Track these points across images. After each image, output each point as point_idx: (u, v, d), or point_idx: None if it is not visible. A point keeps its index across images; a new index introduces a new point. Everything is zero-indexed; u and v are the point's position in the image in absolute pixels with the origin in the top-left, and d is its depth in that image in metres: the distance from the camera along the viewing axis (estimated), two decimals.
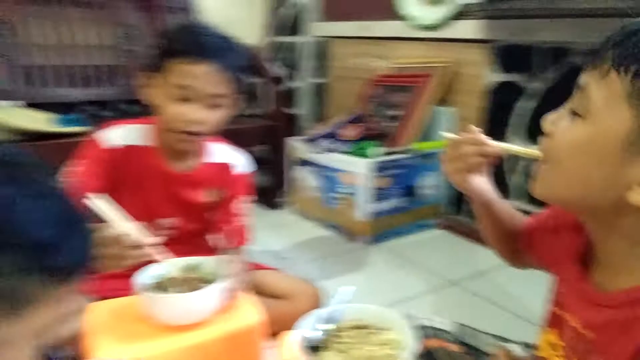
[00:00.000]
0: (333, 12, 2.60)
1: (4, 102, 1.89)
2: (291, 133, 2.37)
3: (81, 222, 0.40)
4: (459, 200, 2.09)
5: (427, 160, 2.04)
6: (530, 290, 1.47)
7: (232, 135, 2.23)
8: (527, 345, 0.86)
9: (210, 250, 1.12)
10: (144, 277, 0.88)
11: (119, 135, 1.08)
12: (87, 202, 0.86)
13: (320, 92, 2.79)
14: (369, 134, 2.08)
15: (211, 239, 1.20)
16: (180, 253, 0.98)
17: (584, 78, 0.55)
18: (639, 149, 0.50)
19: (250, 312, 0.92)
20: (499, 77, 1.89)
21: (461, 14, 1.95)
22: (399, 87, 2.15)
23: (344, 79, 2.60)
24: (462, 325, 0.91)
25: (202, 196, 1.17)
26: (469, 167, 0.75)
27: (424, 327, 0.88)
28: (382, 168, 1.92)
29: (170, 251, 0.93)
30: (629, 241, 0.56)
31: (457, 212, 2.11)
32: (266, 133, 2.28)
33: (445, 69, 2.02)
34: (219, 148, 1.18)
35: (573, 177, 0.56)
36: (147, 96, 1.07)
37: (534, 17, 1.71)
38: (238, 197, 1.20)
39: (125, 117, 1.15)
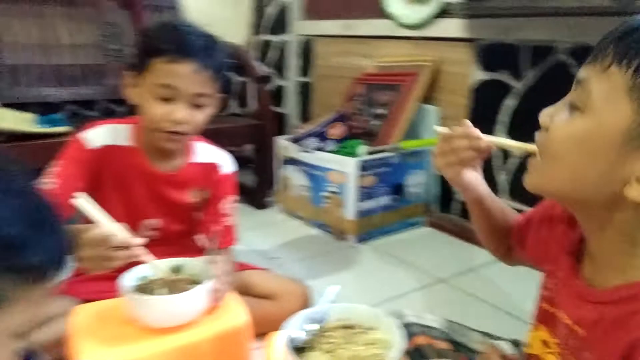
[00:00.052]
0: (317, 11, 2.60)
1: None
2: (278, 132, 2.36)
3: (54, 222, 0.40)
4: (447, 198, 2.10)
5: (414, 159, 2.05)
6: (520, 288, 1.48)
7: (218, 134, 2.21)
8: (515, 343, 0.87)
9: (197, 251, 1.11)
10: (129, 278, 0.87)
11: (100, 135, 1.07)
12: (72, 202, 0.85)
13: (306, 91, 2.78)
14: (355, 133, 2.09)
15: (197, 239, 1.19)
16: (166, 254, 0.98)
17: (584, 72, 0.55)
18: (637, 144, 0.50)
19: (237, 313, 0.91)
20: (483, 75, 1.90)
21: (445, 13, 1.96)
22: (384, 85, 2.15)
23: (329, 77, 2.60)
24: (451, 322, 0.91)
25: (187, 196, 1.16)
26: (461, 161, 0.75)
27: (412, 325, 0.88)
28: (368, 167, 1.92)
29: (154, 252, 0.92)
30: (622, 237, 0.56)
31: (445, 210, 2.12)
32: (253, 132, 2.27)
33: (430, 67, 2.03)
34: (203, 148, 1.17)
35: (569, 171, 0.56)
36: (131, 95, 1.06)
37: (516, 16, 1.72)
38: (224, 198, 1.19)
39: (111, 116, 1.14)
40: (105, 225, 0.84)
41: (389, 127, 2.05)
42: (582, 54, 1.59)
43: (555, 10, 1.58)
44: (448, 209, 2.10)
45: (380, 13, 2.20)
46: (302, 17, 2.69)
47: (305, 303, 1.21)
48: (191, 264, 0.94)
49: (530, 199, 1.84)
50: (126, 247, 0.85)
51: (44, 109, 1.99)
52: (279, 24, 2.83)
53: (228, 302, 0.93)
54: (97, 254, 0.84)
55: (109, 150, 1.08)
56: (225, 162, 1.19)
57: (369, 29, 2.30)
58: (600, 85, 0.52)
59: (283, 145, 2.21)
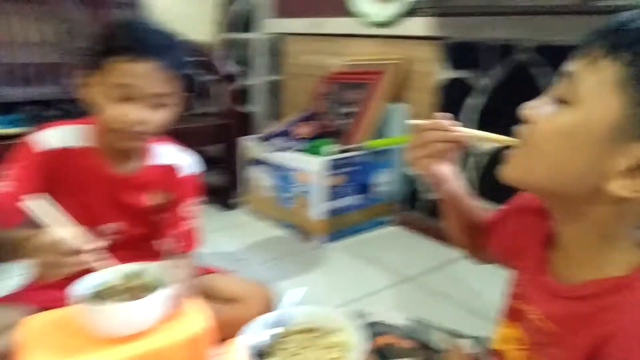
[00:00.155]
0: (285, 9, 2.58)
1: None
2: (246, 132, 2.33)
3: None
4: (414, 197, 2.11)
5: (381, 158, 2.05)
6: (486, 285, 1.50)
7: (184, 134, 2.17)
8: (478, 340, 0.87)
9: (159, 256, 1.08)
10: (82, 286, 0.84)
11: (54, 136, 1.03)
12: (24, 206, 0.82)
13: (274, 90, 2.76)
14: (323, 132, 2.08)
15: (159, 243, 1.16)
16: (125, 259, 0.94)
17: (572, 66, 0.55)
18: (625, 137, 0.50)
19: (197, 319, 0.89)
20: (450, 73, 1.91)
21: (412, 11, 1.97)
22: (352, 84, 2.14)
23: (298, 76, 2.58)
24: (415, 320, 0.90)
25: (147, 199, 1.12)
26: (434, 154, 0.74)
27: (376, 324, 0.87)
28: (336, 166, 1.92)
29: (113, 257, 0.89)
30: (596, 231, 0.56)
31: (412, 209, 2.13)
32: (219, 132, 2.24)
33: (398, 66, 2.03)
34: (164, 149, 1.14)
35: (552, 163, 0.55)
36: (86, 95, 1.02)
37: (481, 15, 1.74)
38: (186, 200, 1.16)
39: (71, 117, 1.09)
40: (58, 229, 0.81)
41: (357, 126, 2.05)
42: (545, 52, 1.62)
43: (519, 9, 1.59)
44: (416, 208, 2.11)
45: (349, 11, 2.19)
46: (271, 15, 2.66)
47: (270, 306, 1.19)
48: (149, 269, 0.91)
49: (498, 197, 1.85)
50: (79, 252, 0.82)
51: (1, 109, 1.92)
52: (247, 22, 2.79)
53: (189, 307, 0.91)
54: (50, 260, 0.80)
55: (63, 152, 1.03)
56: (187, 163, 1.16)
57: (338, 27, 2.29)
58: (589, 79, 0.52)
59: (250, 145, 2.19)
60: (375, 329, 0.86)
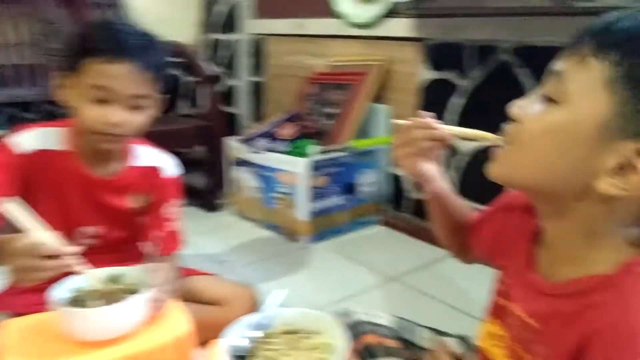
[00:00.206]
0: (267, 10, 2.57)
1: None
2: (229, 133, 2.32)
3: None
4: (399, 197, 2.12)
5: (366, 158, 2.05)
6: (472, 284, 1.51)
7: (167, 136, 2.16)
8: (463, 339, 0.87)
9: (141, 258, 1.07)
10: (61, 290, 0.82)
11: (31, 139, 1.01)
12: (0, 209, 0.80)
13: (257, 91, 2.75)
14: (307, 133, 2.07)
15: (141, 246, 1.15)
16: (106, 262, 0.93)
17: (561, 64, 0.54)
18: (613, 136, 0.50)
19: (179, 322, 0.88)
20: (432, 74, 1.92)
21: (393, 13, 1.97)
22: (335, 85, 2.15)
23: (281, 77, 2.57)
24: (400, 319, 0.91)
25: (128, 202, 1.11)
26: (419, 152, 0.74)
27: (361, 323, 0.87)
28: (320, 166, 1.91)
29: (93, 261, 0.87)
30: (582, 229, 0.56)
31: (397, 209, 2.13)
32: (203, 133, 2.22)
33: (380, 66, 2.04)
34: (144, 151, 1.13)
35: (540, 162, 0.55)
36: (63, 97, 1.00)
37: (462, 16, 1.75)
38: (167, 202, 1.15)
39: (50, 119, 1.08)
40: (35, 233, 0.79)
41: (340, 126, 2.05)
42: (524, 53, 1.64)
43: (498, 10, 1.61)
44: (400, 208, 2.12)
45: (331, 12, 2.19)
46: (252, 15, 2.65)
47: (254, 308, 1.18)
48: (129, 272, 0.90)
49: (480, 196, 1.86)
50: (57, 256, 0.80)
51: None
52: (229, 23, 2.78)
53: (170, 311, 0.90)
54: (26, 264, 0.79)
55: (41, 155, 1.02)
56: (167, 165, 1.15)
57: (320, 28, 2.29)
58: (578, 77, 0.52)
59: (234, 146, 2.17)
60: (360, 328, 0.86)
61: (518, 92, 1.63)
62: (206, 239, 1.95)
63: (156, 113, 1.05)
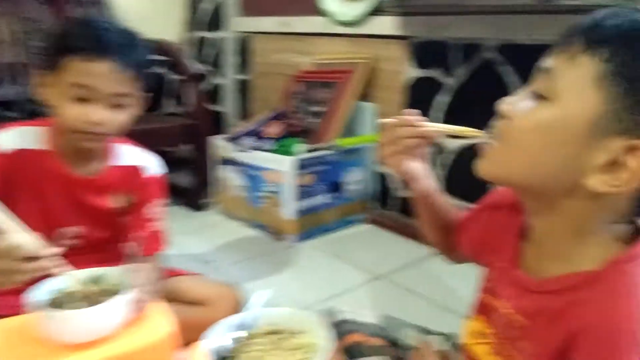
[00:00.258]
0: (253, 8, 2.56)
1: None
2: (215, 131, 2.30)
3: None
4: (386, 195, 2.12)
5: (352, 156, 2.05)
6: (458, 282, 1.51)
7: (153, 134, 2.14)
8: (448, 337, 0.87)
9: (123, 259, 1.06)
10: (39, 292, 0.81)
11: (11, 138, 1.00)
12: None
13: (244, 89, 2.74)
14: (293, 131, 2.06)
15: (123, 246, 1.13)
16: (87, 263, 0.92)
17: (551, 61, 0.54)
18: (603, 132, 0.50)
19: (161, 324, 0.87)
20: (417, 72, 1.93)
21: (378, 11, 1.97)
22: (321, 83, 2.14)
23: (267, 75, 2.56)
24: (386, 317, 0.90)
25: (109, 202, 1.10)
26: (404, 150, 0.74)
27: (347, 322, 0.87)
28: (306, 165, 1.91)
29: (74, 262, 0.86)
30: (570, 225, 0.56)
31: (384, 207, 2.13)
32: (189, 132, 2.20)
33: (366, 64, 2.04)
34: (127, 150, 1.11)
35: (530, 159, 0.55)
36: (43, 96, 0.99)
37: (446, 14, 1.75)
38: (150, 201, 1.14)
39: (32, 118, 1.06)
40: (14, 235, 0.78)
41: (326, 124, 2.05)
42: (508, 51, 1.64)
43: (482, 8, 1.61)
44: (387, 206, 2.12)
45: (316, 10, 2.19)
46: (238, 13, 2.64)
47: (239, 308, 1.17)
48: (111, 273, 0.88)
49: (466, 193, 1.86)
50: (37, 258, 0.79)
51: None
52: (215, 21, 2.76)
53: (152, 312, 0.89)
54: (5, 267, 0.77)
55: (21, 155, 1.00)
56: (150, 164, 1.13)
57: (306, 26, 2.28)
58: (569, 74, 0.52)
59: (220, 144, 2.16)
60: (346, 327, 0.86)
61: (502, 89, 1.66)
62: (192, 239, 1.93)
63: (138, 112, 1.03)
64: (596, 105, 0.50)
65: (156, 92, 2.90)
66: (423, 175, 0.79)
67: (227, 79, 2.78)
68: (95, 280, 0.87)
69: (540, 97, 0.54)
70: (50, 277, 0.83)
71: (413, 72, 1.94)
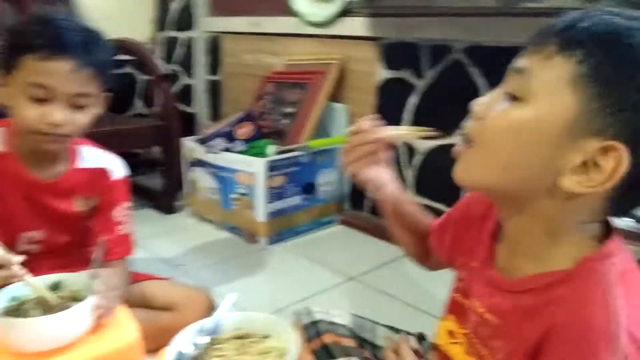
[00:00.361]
0: (223, 7, 2.53)
1: None
2: (187, 133, 2.26)
3: None
4: (358, 196, 2.12)
5: (324, 157, 2.05)
6: (431, 282, 1.52)
7: (121, 136, 2.09)
8: (421, 337, 0.87)
9: (87, 264, 1.03)
10: None
11: None
12: None
13: (215, 90, 2.71)
14: (265, 132, 2.05)
15: (89, 251, 1.10)
16: (51, 268, 0.90)
17: (524, 61, 0.54)
18: (579, 133, 0.50)
19: (126, 330, 0.85)
20: (388, 73, 1.93)
21: (348, 12, 1.97)
22: (292, 84, 2.13)
23: (239, 75, 2.54)
24: (358, 317, 0.90)
25: (73, 205, 1.07)
26: (361, 157, 0.74)
27: (320, 322, 0.86)
28: (277, 166, 1.90)
29: (37, 267, 0.84)
30: (544, 225, 0.56)
31: (357, 208, 2.13)
32: (159, 133, 2.16)
33: (337, 65, 2.04)
34: (90, 152, 1.09)
35: (505, 162, 0.55)
36: (1, 96, 0.95)
37: (415, 15, 1.76)
38: (117, 205, 1.11)
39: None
40: None
41: (298, 126, 2.04)
42: (476, 53, 1.66)
43: (449, 10, 1.63)
44: (360, 207, 2.12)
45: (287, 11, 2.18)
46: (208, 13, 2.61)
47: (208, 312, 1.16)
48: (73, 279, 0.86)
49: (436, 194, 1.88)
50: (6, 265, 0.77)
51: None
52: (185, 20, 2.73)
53: (116, 318, 0.87)
54: None
55: None
56: (115, 166, 1.11)
57: (277, 26, 2.27)
58: (543, 75, 0.51)
59: (190, 146, 2.13)
60: (318, 327, 0.85)
61: (472, 90, 1.67)
62: (163, 242, 1.90)
63: (100, 112, 1.01)
64: (571, 106, 0.50)
65: (126, 93, 2.85)
66: (387, 181, 0.79)
67: (198, 79, 2.75)
68: (56, 287, 0.85)
69: (514, 98, 0.54)
70: (10, 284, 0.81)
71: (384, 74, 1.94)
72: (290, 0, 2.15)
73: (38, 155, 0.99)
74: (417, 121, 1.87)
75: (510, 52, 0.56)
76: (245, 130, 2.00)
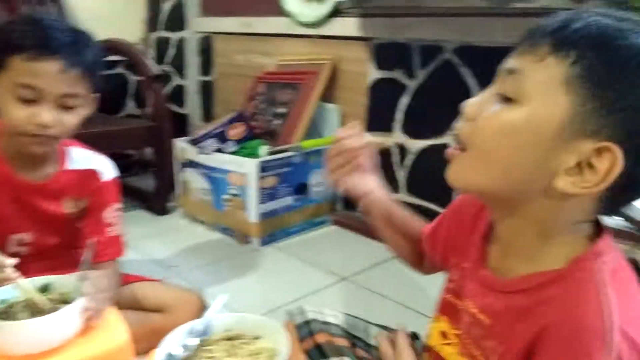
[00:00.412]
0: (214, 8, 2.53)
1: None
2: (180, 134, 2.25)
3: None
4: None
5: (316, 158, 2.04)
6: (424, 282, 1.51)
7: (113, 137, 2.08)
8: (414, 336, 0.87)
9: (77, 266, 1.02)
10: None
11: None
12: None
13: (207, 90, 2.70)
14: (256, 133, 2.05)
15: (78, 253, 1.10)
16: (39, 271, 0.89)
17: (517, 62, 0.53)
18: (573, 134, 0.50)
19: (115, 332, 0.84)
20: (379, 74, 1.94)
21: (339, 12, 1.97)
22: (284, 84, 2.13)
23: (231, 76, 2.54)
24: (351, 316, 0.90)
25: (63, 207, 1.06)
26: (342, 165, 0.75)
27: (312, 322, 0.86)
28: (269, 167, 1.89)
29: (26, 270, 0.83)
30: (536, 226, 0.56)
31: (350, 208, 2.13)
32: (151, 134, 2.15)
33: (329, 66, 2.04)
34: (79, 153, 1.08)
35: (500, 164, 0.54)
36: None
37: (405, 15, 1.77)
38: (107, 206, 1.11)
39: None
40: None
41: (290, 126, 2.03)
42: (467, 53, 1.67)
43: (440, 10, 1.63)
44: (352, 207, 2.12)
45: (279, 11, 2.17)
46: (199, 13, 2.60)
47: (200, 314, 1.15)
48: (62, 281, 0.86)
49: (428, 194, 1.88)
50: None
51: None
52: (177, 21, 2.72)
53: (106, 320, 0.86)
54: None
55: None
56: (105, 168, 1.10)
57: (268, 27, 2.27)
58: (536, 76, 0.51)
59: (182, 147, 2.12)
60: (311, 327, 0.85)
61: (463, 90, 1.68)
62: (155, 243, 1.89)
63: (89, 113, 1.00)
64: (565, 108, 0.50)
65: (118, 94, 2.84)
66: (374, 188, 0.79)
67: (190, 80, 2.74)
68: (45, 289, 0.85)
69: (506, 99, 0.53)
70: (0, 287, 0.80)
71: (375, 74, 1.94)
72: (281, 0, 2.14)
73: (26, 156, 0.99)
74: (408, 121, 1.87)
75: (501, 52, 0.56)
76: (237, 130, 2.00)
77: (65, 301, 0.81)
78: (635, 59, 0.48)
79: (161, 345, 0.69)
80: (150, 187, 2.28)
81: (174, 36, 2.76)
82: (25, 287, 0.82)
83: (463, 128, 0.58)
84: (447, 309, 0.70)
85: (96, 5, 2.53)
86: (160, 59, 2.82)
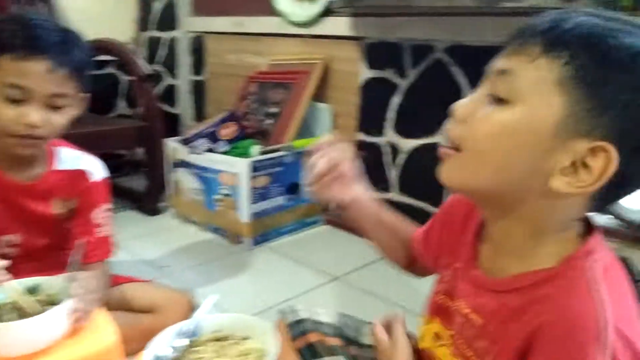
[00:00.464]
0: (205, 7, 2.52)
1: None
2: (171, 133, 2.25)
3: None
4: None
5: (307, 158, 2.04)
6: (416, 282, 1.51)
7: (104, 137, 2.07)
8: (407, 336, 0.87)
9: (66, 267, 1.02)
10: None
11: None
12: None
13: (199, 90, 2.69)
14: (248, 133, 2.04)
15: (67, 254, 1.09)
16: (29, 272, 0.88)
17: (508, 63, 0.53)
18: (566, 135, 0.50)
19: (104, 333, 0.84)
20: (371, 73, 1.94)
21: (330, 11, 1.97)
22: (276, 84, 2.13)
23: (223, 75, 2.53)
24: (344, 315, 0.90)
25: (51, 208, 1.05)
26: (321, 176, 0.75)
27: (305, 321, 0.86)
28: (261, 167, 1.89)
29: (15, 271, 0.82)
30: (530, 226, 0.56)
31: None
32: (142, 134, 2.14)
33: (321, 65, 2.04)
34: (68, 153, 1.07)
35: (495, 165, 0.54)
36: None
37: (396, 15, 1.77)
38: (97, 206, 1.10)
39: None
40: None
41: (281, 126, 2.03)
42: (458, 52, 1.67)
43: (430, 9, 1.63)
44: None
45: (270, 10, 2.17)
46: (191, 13, 2.59)
47: (190, 314, 1.15)
48: (50, 282, 0.85)
49: (420, 193, 1.88)
50: None
51: None
52: (168, 20, 2.71)
53: (95, 321, 0.86)
54: None
55: None
56: (94, 168, 1.09)
57: (260, 26, 2.27)
58: (529, 76, 0.51)
59: (173, 147, 2.11)
60: (304, 326, 0.85)
61: (454, 90, 1.68)
62: (146, 244, 1.88)
63: (78, 113, 0.99)
64: (559, 108, 0.49)
65: (109, 93, 2.83)
66: (359, 195, 0.79)
67: (181, 79, 2.73)
68: (33, 290, 0.84)
69: (498, 100, 0.53)
70: None
71: (367, 73, 1.95)
72: (273, 0, 2.14)
73: (14, 157, 0.98)
74: (400, 120, 1.87)
75: (491, 52, 0.56)
76: (228, 130, 1.99)
77: (53, 302, 0.80)
78: (626, 59, 0.48)
79: (149, 346, 0.69)
80: (142, 187, 2.27)
81: (165, 36, 2.74)
82: (12, 288, 0.81)
83: (454, 130, 0.57)
84: (439, 310, 0.69)
85: (87, 4, 2.52)
86: (151, 59, 2.81)
